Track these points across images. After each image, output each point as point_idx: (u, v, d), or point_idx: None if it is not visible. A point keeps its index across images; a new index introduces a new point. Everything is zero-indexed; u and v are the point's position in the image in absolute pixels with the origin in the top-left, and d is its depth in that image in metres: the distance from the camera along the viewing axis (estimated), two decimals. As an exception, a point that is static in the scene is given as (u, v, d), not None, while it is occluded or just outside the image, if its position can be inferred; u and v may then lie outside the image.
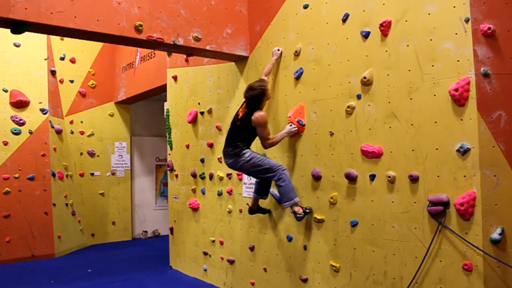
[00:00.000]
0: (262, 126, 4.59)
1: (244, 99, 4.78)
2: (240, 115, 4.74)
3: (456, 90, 3.42)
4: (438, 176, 3.55)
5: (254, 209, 5.12)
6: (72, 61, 9.31)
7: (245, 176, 5.53)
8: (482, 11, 3.43)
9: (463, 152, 3.38)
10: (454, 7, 3.49)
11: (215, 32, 5.21)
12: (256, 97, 4.59)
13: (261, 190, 4.97)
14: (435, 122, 3.57)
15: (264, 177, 4.71)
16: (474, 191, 3.33)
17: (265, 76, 4.94)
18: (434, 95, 3.59)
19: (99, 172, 9.69)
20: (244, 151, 4.69)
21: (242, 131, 4.73)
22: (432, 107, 3.60)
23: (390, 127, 3.90)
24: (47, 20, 4.11)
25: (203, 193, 6.35)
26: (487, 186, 3.32)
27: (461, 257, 3.40)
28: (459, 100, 3.42)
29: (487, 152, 3.34)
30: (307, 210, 4.57)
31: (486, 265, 3.28)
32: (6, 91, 7.90)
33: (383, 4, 3.98)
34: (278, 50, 5.01)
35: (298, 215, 4.51)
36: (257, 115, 4.55)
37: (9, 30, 4.19)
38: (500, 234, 3.29)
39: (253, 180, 5.33)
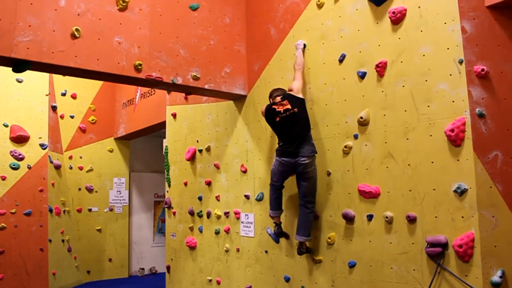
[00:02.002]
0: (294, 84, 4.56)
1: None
2: (289, 106, 4.38)
3: (452, 130, 3.43)
4: (436, 217, 3.52)
5: (281, 231, 4.70)
6: (73, 96, 9.40)
7: (242, 215, 5.49)
8: (475, 53, 3.49)
9: (461, 192, 3.37)
10: (448, 49, 3.55)
11: (214, 71, 5.28)
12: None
13: (280, 204, 4.66)
14: (432, 163, 3.57)
15: (309, 195, 4.37)
16: (472, 232, 3.29)
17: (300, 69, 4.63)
18: (430, 135, 3.60)
19: (97, 208, 9.62)
20: (316, 153, 4.39)
21: (305, 116, 4.43)
22: (428, 147, 3.61)
23: (387, 167, 3.89)
24: (48, 59, 4.18)
25: (201, 232, 6.29)
26: (485, 227, 3.29)
27: (461, 301, 3.33)
28: (455, 140, 3.43)
29: (485, 192, 3.33)
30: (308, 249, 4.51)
31: (487, 309, 3.22)
32: (6, 126, 7.94)
33: (379, 45, 4.05)
34: (301, 42, 4.77)
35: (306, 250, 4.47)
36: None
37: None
38: (501, 277, 3.23)
39: (251, 218, 5.31)
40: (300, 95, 4.49)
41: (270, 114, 4.54)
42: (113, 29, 4.56)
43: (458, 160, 3.42)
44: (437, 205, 3.51)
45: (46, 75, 8.42)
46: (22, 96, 8.17)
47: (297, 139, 4.30)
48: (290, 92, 4.53)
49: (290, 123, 4.35)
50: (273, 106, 4.52)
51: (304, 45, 4.79)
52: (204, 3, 5.29)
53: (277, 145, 4.52)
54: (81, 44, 4.35)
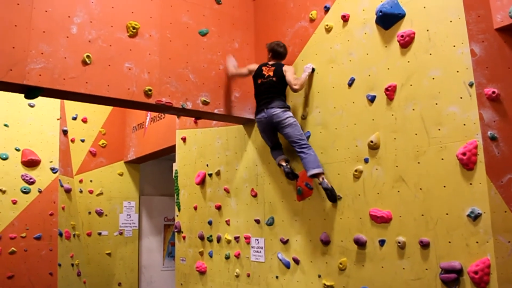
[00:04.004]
0: (292, 71, 4.83)
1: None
2: (271, 73, 4.87)
3: (464, 154, 3.39)
4: (449, 242, 3.45)
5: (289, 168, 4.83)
6: (84, 121, 9.48)
7: (252, 240, 5.44)
8: (486, 75, 3.47)
9: (474, 217, 3.31)
10: (457, 71, 3.53)
11: (223, 96, 5.30)
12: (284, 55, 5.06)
13: (280, 151, 4.94)
14: (444, 186, 3.52)
15: (297, 139, 4.62)
16: (488, 258, 3.22)
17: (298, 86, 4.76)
18: (442, 159, 3.56)
19: (106, 231, 9.60)
20: (289, 108, 4.84)
21: (280, 85, 4.83)
22: (440, 171, 3.57)
23: (398, 191, 3.85)
24: (60, 86, 4.22)
25: (211, 256, 6.23)
26: (501, 253, 3.21)
27: (477, 329, 3.24)
28: (467, 164, 3.39)
29: (499, 217, 3.26)
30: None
31: (505, 338, 3.13)
32: (18, 150, 8.01)
33: (388, 68, 4.05)
34: (310, 66, 4.86)
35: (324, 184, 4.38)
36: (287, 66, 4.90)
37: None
38: (517, 305, 3.15)
39: (261, 243, 5.26)
40: (288, 75, 4.76)
41: (257, 73, 5.02)
42: (123, 55, 4.61)
43: (470, 184, 3.37)
44: (451, 230, 3.45)
45: (57, 100, 8.51)
46: (33, 121, 8.25)
47: (269, 99, 4.80)
48: (283, 65, 4.91)
49: (266, 87, 4.85)
50: (263, 67, 4.98)
51: (313, 69, 4.81)
52: (213, 28, 5.35)
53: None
54: (92, 71, 4.40)
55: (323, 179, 4.40)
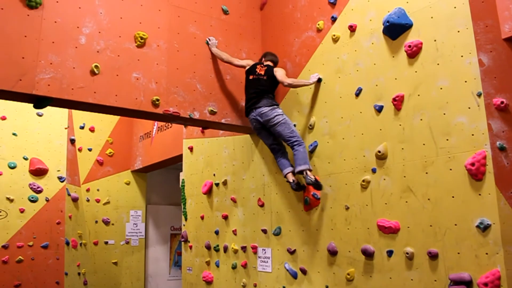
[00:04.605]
0: (283, 71, 5.03)
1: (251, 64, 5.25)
2: (263, 72, 5.04)
3: (473, 164, 3.38)
4: (458, 253, 3.42)
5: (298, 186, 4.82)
6: (91, 130, 9.52)
7: (259, 249, 5.42)
8: (494, 85, 3.45)
9: (484, 228, 3.28)
10: (465, 81, 3.53)
11: (231, 106, 5.32)
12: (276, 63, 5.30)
13: (287, 162, 4.93)
14: (453, 197, 3.50)
15: (288, 137, 4.75)
16: (498, 270, 3.19)
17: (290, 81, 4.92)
18: (450, 169, 3.54)
19: (113, 240, 9.59)
20: (278, 105, 5.00)
21: (269, 83, 5.00)
22: (448, 182, 3.55)
23: (406, 202, 3.83)
24: (68, 96, 4.25)
25: (217, 266, 6.21)
26: (511, 265, 3.18)
27: None
28: (476, 174, 3.37)
29: (509, 228, 3.23)
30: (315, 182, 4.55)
31: None
32: (26, 159, 8.05)
33: (395, 78, 4.05)
34: (317, 75, 4.87)
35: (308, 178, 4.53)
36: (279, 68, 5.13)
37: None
38: (528, 317, 3.11)
39: (268, 253, 5.23)
40: (278, 75, 4.94)
41: (250, 69, 5.16)
42: (131, 65, 4.64)
43: (479, 194, 3.35)
44: (460, 241, 3.42)
45: (65, 109, 8.57)
46: (41, 130, 8.31)
47: (256, 99, 4.95)
48: (273, 67, 5.11)
49: (256, 84, 5.01)
50: (257, 66, 5.14)
51: (320, 79, 4.81)
52: (220, 38, 5.38)
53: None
54: (100, 80, 4.43)
55: (306, 173, 4.53)
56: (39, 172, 8.09)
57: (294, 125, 5.01)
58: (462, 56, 3.57)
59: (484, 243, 3.28)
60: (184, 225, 7.08)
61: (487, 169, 3.33)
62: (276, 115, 4.83)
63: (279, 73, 4.96)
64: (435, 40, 3.78)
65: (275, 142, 5.04)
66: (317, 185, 4.55)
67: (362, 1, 4.47)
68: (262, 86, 4.97)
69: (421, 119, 3.80)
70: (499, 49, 3.52)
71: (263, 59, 5.31)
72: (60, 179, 8.29)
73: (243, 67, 5.26)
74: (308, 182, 4.50)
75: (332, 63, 4.71)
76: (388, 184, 3.99)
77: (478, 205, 3.34)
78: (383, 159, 4.06)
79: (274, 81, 4.98)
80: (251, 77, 5.08)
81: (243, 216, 5.81)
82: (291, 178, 4.78)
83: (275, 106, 4.92)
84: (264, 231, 5.39)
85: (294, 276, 4.85)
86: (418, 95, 3.85)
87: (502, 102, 3.40)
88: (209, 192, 6.51)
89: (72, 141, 8.89)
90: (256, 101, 4.94)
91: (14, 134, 8.01)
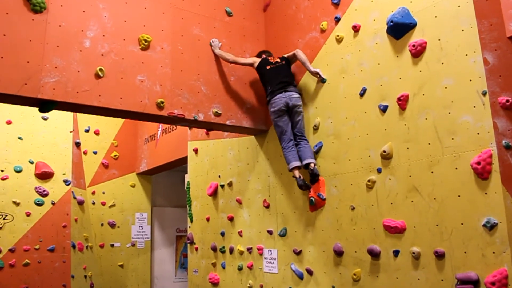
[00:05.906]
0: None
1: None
2: (279, 60, 5.11)
3: (478, 163, 3.37)
4: (465, 252, 3.41)
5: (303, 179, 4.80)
6: (96, 133, 9.56)
7: (265, 251, 5.42)
8: (499, 84, 3.43)
9: (490, 227, 3.27)
10: (470, 80, 3.52)
11: (235, 107, 5.32)
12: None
13: (296, 153, 4.87)
14: (459, 196, 3.49)
15: (303, 130, 4.90)
16: (505, 269, 3.18)
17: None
18: (456, 168, 3.54)
19: (119, 243, 9.62)
20: None
21: (289, 70, 5.12)
22: (454, 181, 3.54)
23: (412, 201, 3.82)
24: (73, 99, 4.27)
25: (223, 268, 6.21)
26: (518, 264, 3.17)
27: None
28: (482, 173, 3.36)
29: (516, 227, 3.22)
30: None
31: None
32: (32, 162, 8.08)
33: (400, 78, 4.04)
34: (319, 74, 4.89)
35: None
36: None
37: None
38: (536, 316, 3.09)
39: (274, 254, 5.23)
40: (296, 51, 5.03)
41: (262, 63, 5.15)
42: (135, 68, 4.66)
43: (486, 193, 3.33)
44: (466, 240, 3.41)
45: (70, 113, 8.60)
46: (47, 133, 8.33)
47: (284, 82, 4.95)
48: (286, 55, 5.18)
49: (278, 70, 5.02)
50: (268, 58, 5.21)
51: (324, 80, 4.81)
52: (224, 40, 5.39)
53: (267, 95, 5.07)
54: (104, 84, 4.45)
55: (314, 165, 4.68)
56: (44, 175, 8.12)
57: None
58: (466, 55, 3.57)
59: (491, 242, 3.27)
60: (189, 227, 7.09)
61: (493, 168, 3.32)
62: (301, 105, 4.92)
63: (295, 51, 5.04)
64: (439, 39, 3.77)
65: (291, 131, 4.94)
66: (316, 177, 4.71)
67: (365, 1, 4.47)
68: (286, 72, 5.03)
69: (426, 119, 3.79)
70: (504, 47, 3.50)
71: (263, 55, 5.35)
72: (66, 182, 8.31)
73: (251, 64, 5.26)
74: (316, 172, 4.61)
75: (336, 63, 4.71)
76: (394, 184, 3.99)
77: (485, 204, 3.33)
78: (388, 159, 4.05)
79: (290, 66, 5.11)
80: (268, 67, 5.09)
81: (249, 218, 5.81)
82: (297, 173, 4.77)
83: (301, 96, 4.99)
84: (270, 232, 5.39)
85: (300, 277, 4.85)
86: (423, 95, 3.84)
87: (507, 101, 3.38)
88: (214, 194, 6.52)
89: (77, 145, 8.92)
90: (286, 86, 4.92)
91: (19, 138, 8.04)
